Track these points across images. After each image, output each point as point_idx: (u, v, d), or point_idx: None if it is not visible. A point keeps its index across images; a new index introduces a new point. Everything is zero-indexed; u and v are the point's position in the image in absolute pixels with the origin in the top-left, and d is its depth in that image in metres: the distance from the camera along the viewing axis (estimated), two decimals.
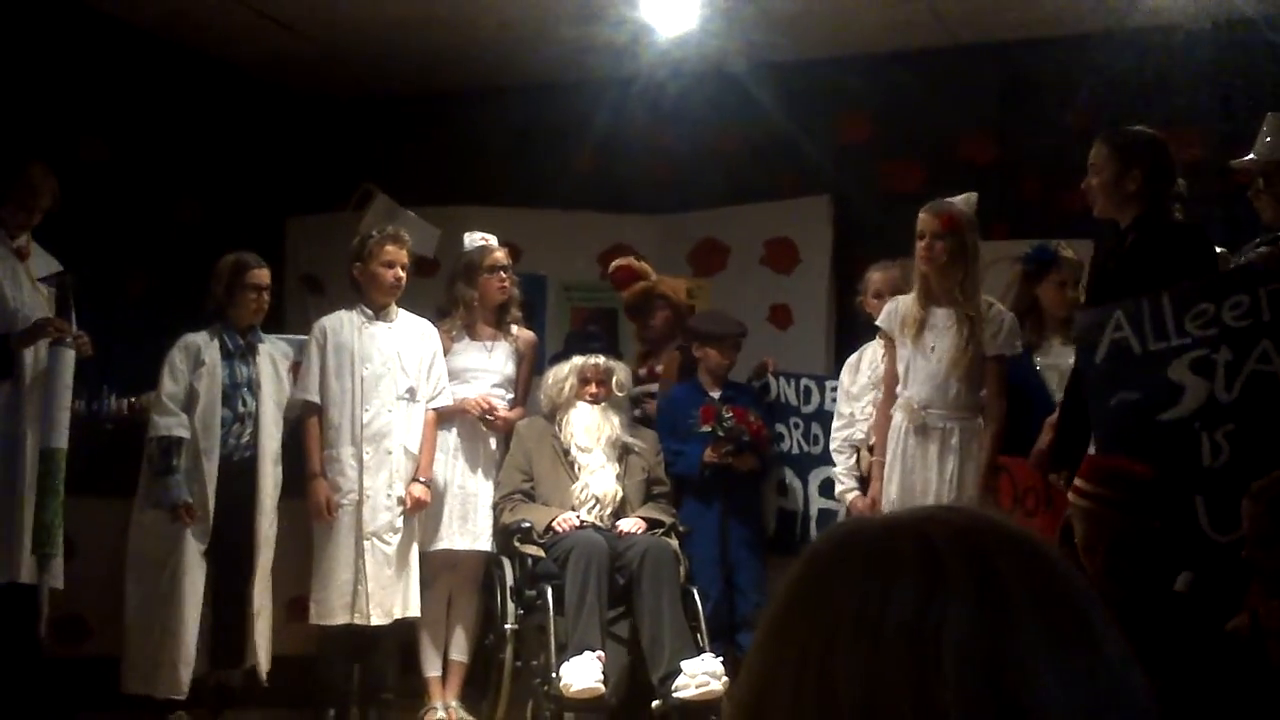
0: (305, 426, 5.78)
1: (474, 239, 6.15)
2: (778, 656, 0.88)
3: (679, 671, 5.18)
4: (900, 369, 5.21)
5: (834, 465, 5.81)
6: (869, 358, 5.82)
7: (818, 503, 6.10)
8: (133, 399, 6.27)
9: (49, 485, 5.21)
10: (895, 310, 5.26)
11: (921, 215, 5.15)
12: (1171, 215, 4.43)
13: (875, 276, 5.85)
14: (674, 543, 5.73)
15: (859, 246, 6.72)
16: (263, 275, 5.85)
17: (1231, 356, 4.01)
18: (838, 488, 5.79)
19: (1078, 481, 3.68)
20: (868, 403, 5.72)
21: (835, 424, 5.85)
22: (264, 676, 5.65)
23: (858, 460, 5.72)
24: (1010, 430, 5.00)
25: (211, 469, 5.60)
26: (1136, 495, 3.55)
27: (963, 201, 5.22)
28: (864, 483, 5.62)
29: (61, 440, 5.24)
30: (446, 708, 5.90)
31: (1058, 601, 0.86)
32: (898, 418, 5.17)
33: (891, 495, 5.14)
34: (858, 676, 0.82)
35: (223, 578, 5.67)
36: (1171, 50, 6.56)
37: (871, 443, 5.49)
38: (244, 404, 5.72)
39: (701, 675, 5.14)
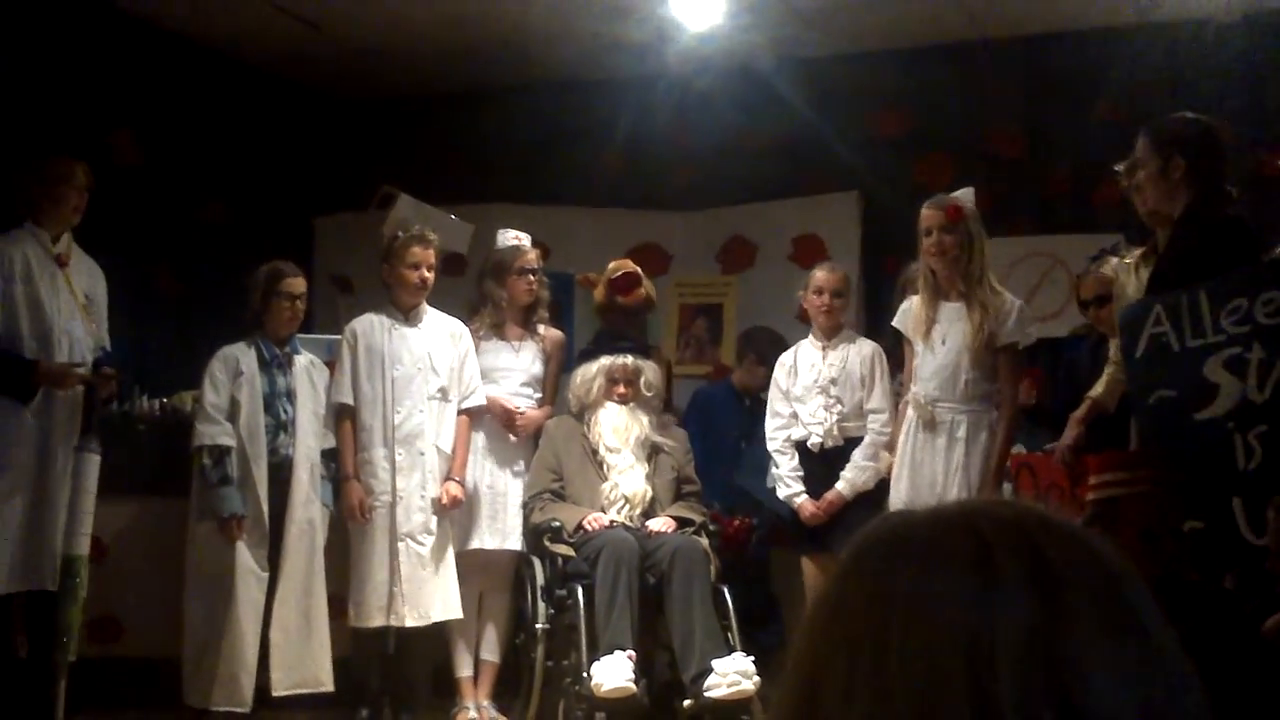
0: (339, 429, 5.79)
1: (507, 238, 6.15)
2: (829, 649, 0.88)
3: (710, 671, 5.17)
4: (915, 367, 5.23)
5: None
6: (805, 358, 5.82)
7: None
8: (164, 400, 6.30)
9: (69, 589, 5.18)
10: (908, 310, 5.27)
11: (925, 212, 5.17)
12: (1225, 205, 4.31)
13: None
14: (704, 541, 5.73)
15: (888, 243, 6.70)
16: (296, 284, 5.86)
17: (1264, 355, 3.95)
18: (782, 491, 5.74)
19: (1094, 478, 3.66)
20: (818, 406, 5.71)
21: (771, 425, 5.83)
22: (272, 691, 5.61)
23: (801, 460, 5.71)
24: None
25: (261, 475, 5.61)
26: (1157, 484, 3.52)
27: (962, 195, 5.23)
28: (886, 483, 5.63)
29: (83, 547, 5.21)
30: (478, 707, 5.91)
31: (1109, 593, 0.87)
32: (909, 415, 5.18)
33: (901, 492, 5.15)
34: (912, 672, 0.83)
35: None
36: (1202, 43, 6.51)
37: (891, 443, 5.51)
38: (284, 412, 5.73)
39: (733, 674, 5.13)
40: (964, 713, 0.81)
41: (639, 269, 6.32)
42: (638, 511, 5.84)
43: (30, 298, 5.25)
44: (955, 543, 0.88)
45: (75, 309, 5.38)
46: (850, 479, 5.64)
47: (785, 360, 5.88)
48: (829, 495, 5.64)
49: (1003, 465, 4.99)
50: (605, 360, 6.02)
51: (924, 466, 5.10)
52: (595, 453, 5.95)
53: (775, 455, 5.78)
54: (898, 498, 5.15)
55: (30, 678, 5.26)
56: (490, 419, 6.03)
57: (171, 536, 5.76)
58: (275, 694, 5.57)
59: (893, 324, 5.42)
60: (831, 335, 5.82)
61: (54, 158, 5.44)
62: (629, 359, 6.02)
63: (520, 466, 6.06)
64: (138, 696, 5.66)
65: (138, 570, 5.79)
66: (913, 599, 0.85)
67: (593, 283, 6.38)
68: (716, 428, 6.41)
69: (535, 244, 6.23)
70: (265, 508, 5.60)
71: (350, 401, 5.78)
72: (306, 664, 5.65)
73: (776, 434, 5.80)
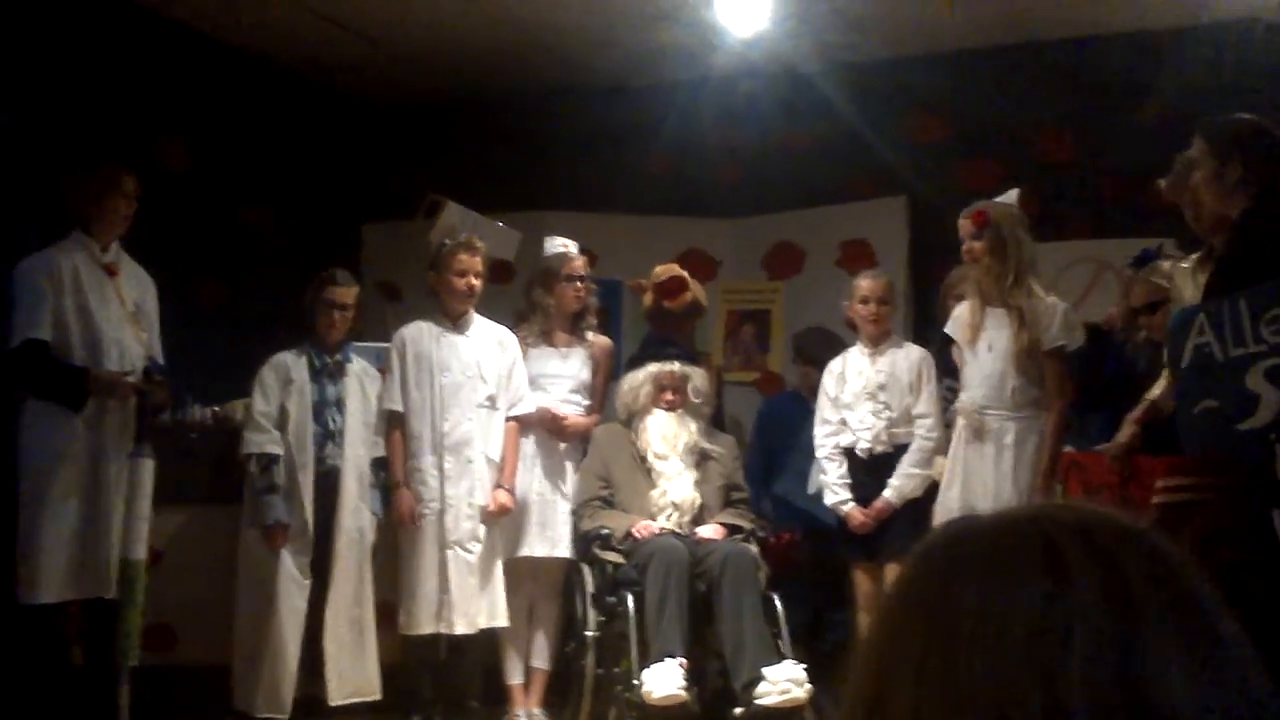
0: (389, 436, 5.82)
1: (554, 245, 6.17)
2: (898, 653, 0.88)
3: (761, 678, 5.17)
4: (963, 373, 5.23)
5: None
6: (854, 364, 5.79)
7: None
8: (215, 408, 6.33)
9: (128, 596, 5.22)
10: (959, 316, 5.26)
11: (960, 220, 5.16)
12: None
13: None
14: (754, 549, 5.73)
15: (936, 247, 6.66)
16: (343, 293, 5.87)
17: None
18: (830, 498, 5.74)
19: (1161, 481, 3.62)
20: (866, 412, 5.69)
21: (820, 432, 5.81)
22: (328, 701, 5.65)
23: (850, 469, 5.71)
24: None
25: (307, 484, 5.65)
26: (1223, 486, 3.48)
27: (1004, 198, 5.22)
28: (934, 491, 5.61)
29: (141, 552, 5.24)
30: (529, 715, 5.92)
31: (1181, 597, 0.86)
32: (958, 422, 5.16)
33: (952, 501, 5.11)
34: (983, 676, 0.83)
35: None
36: (1251, 43, 6.45)
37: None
38: (333, 421, 5.76)
39: (784, 682, 5.13)
40: (1035, 714, 0.81)
41: (686, 273, 6.32)
42: (687, 518, 5.84)
43: (80, 307, 5.28)
44: (1024, 547, 0.88)
45: (125, 318, 5.41)
46: (898, 486, 5.61)
47: (834, 367, 5.86)
48: (877, 503, 5.63)
49: (1053, 470, 4.94)
50: (653, 367, 6.02)
51: (974, 474, 5.08)
52: (643, 460, 5.96)
53: (823, 462, 5.77)
54: (949, 505, 5.12)
55: (87, 686, 5.31)
56: (539, 427, 6.03)
57: (224, 544, 5.80)
58: (332, 703, 5.60)
59: (945, 330, 5.40)
60: (879, 342, 5.80)
61: (102, 166, 5.46)
62: (676, 366, 6.02)
63: (569, 474, 6.07)
64: (193, 704, 5.70)
65: (192, 578, 5.83)
66: (982, 604, 0.86)
67: (643, 288, 6.39)
68: (786, 441, 6.37)
69: (582, 251, 6.25)
70: (310, 516, 5.63)
71: (400, 409, 5.80)
72: (359, 672, 5.68)
73: (825, 441, 5.78)
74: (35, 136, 6.00)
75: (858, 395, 5.73)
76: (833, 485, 5.72)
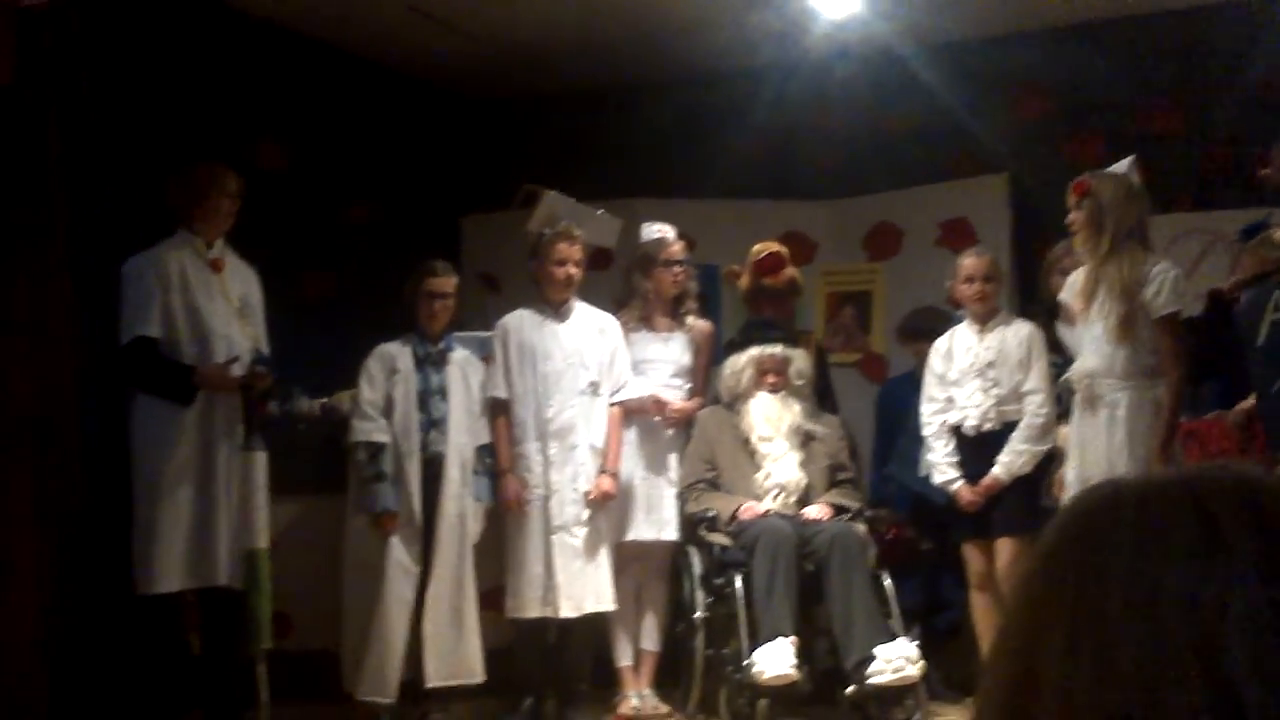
0: (494, 423, 5.87)
1: (651, 230, 6.19)
2: (1044, 629, 0.86)
3: (873, 657, 5.14)
4: (1077, 340, 5.17)
5: None
6: (961, 341, 5.72)
7: None
8: (323, 399, 6.42)
9: (255, 584, 5.35)
10: (1072, 284, 5.19)
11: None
12: None
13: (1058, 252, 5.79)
14: (861, 528, 5.70)
15: (1039, 224, 6.59)
16: (441, 283, 5.90)
17: None
18: (938, 477, 5.68)
19: None
20: (975, 389, 5.63)
21: (926, 410, 5.74)
22: (426, 683, 5.69)
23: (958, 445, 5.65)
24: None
25: (414, 472, 5.69)
26: None
27: (1117, 167, 5.15)
28: (1044, 467, 5.54)
29: (262, 540, 5.37)
30: (640, 696, 5.94)
31: None
32: (1078, 398, 5.09)
33: (1071, 472, 5.05)
34: (1138, 647, 0.80)
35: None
36: None
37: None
38: (437, 409, 5.81)
39: (897, 660, 5.11)
40: (1194, 684, 0.78)
41: (784, 249, 6.29)
42: (793, 499, 5.83)
43: (187, 303, 5.36)
44: (1175, 513, 0.85)
45: (231, 313, 5.48)
46: (1007, 463, 5.55)
47: (940, 345, 5.80)
48: (986, 480, 5.56)
49: (1170, 439, 4.85)
50: (754, 350, 6.01)
51: (1089, 445, 5.00)
52: (747, 442, 5.95)
53: (930, 441, 5.71)
54: (1069, 477, 5.06)
55: (207, 674, 5.40)
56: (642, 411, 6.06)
57: (333, 533, 5.87)
58: (429, 685, 5.65)
59: (1060, 298, 5.31)
60: (987, 319, 5.73)
61: (205, 166, 5.55)
62: (778, 348, 6.01)
63: (674, 458, 6.08)
64: (308, 690, 5.77)
65: (303, 567, 5.90)
66: (1131, 575, 0.83)
67: (738, 274, 6.38)
68: (900, 422, 6.33)
69: (680, 236, 6.25)
70: (417, 505, 5.69)
71: (504, 396, 5.85)
72: (459, 656, 5.72)
73: (932, 419, 5.72)
74: (140, 138, 6.11)
75: (965, 372, 5.67)
76: (940, 464, 5.66)
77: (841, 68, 7.41)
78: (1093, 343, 5.04)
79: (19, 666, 5.35)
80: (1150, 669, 0.80)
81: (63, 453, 5.60)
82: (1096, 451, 4.96)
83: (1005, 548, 5.48)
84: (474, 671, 5.76)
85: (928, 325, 6.31)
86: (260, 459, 5.43)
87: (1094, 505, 0.90)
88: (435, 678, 5.68)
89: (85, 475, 5.63)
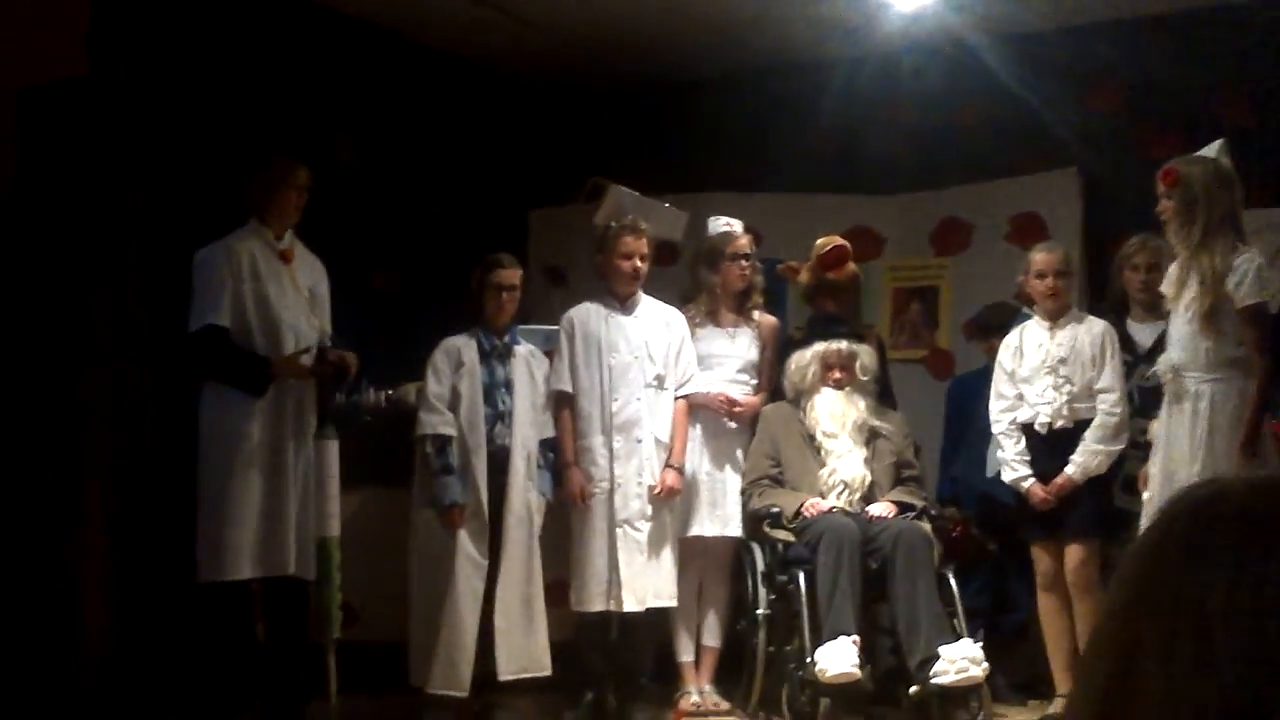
0: (558, 417, 5.87)
1: (718, 224, 6.17)
2: (1146, 618, 0.86)
3: (937, 657, 5.10)
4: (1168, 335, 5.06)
5: None
6: (1032, 338, 5.64)
7: None
8: (389, 391, 6.46)
9: (325, 573, 5.42)
10: (1169, 275, 5.07)
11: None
12: None
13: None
14: (926, 526, 5.65)
15: (1111, 219, 6.50)
16: (506, 276, 5.90)
17: None
18: (1009, 475, 5.58)
19: None
20: (1046, 386, 5.55)
21: (996, 407, 5.66)
22: (498, 676, 5.69)
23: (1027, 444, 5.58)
24: None
25: (481, 465, 5.70)
26: None
27: (1206, 150, 5.04)
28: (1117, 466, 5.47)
29: (334, 529, 5.45)
30: (701, 692, 5.94)
31: None
32: (1169, 389, 4.99)
33: (1156, 466, 4.95)
34: (1239, 646, 0.81)
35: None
36: None
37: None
38: (503, 403, 5.82)
39: (961, 660, 5.06)
40: None
41: (847, 243, 6.24)
42: (857, 496, 5.79)
43: (258, 294, 5.41)
44: (1278, 512, 0.85)
45: (300, 304, 5.53)
46: (1081, 463, 5.47)
47: (1010, 341, 5.73)
48: (1058, 480, 5.48)
49: (1254, 436, 4.73)
50: (819, 346, 5.98)
51: (1175, 440, 4.88)
52: (812, 438, 5.92)
53: (1001, 438, 5.64)
54: (1153, 471, 4.97)
55: (272, 662, 5.45)
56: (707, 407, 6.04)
57: (400, 525, 5.90)
58: (501, 678, 5.66)
59: (1161, 289, 5.18)
60: (1058, 315, 5.66)
61: (277, 158, 5.60)
62: (843, 344, 5.97)
63: (738, 453, 6.06)
64: (374, 681, 5.81)
65: (369, 558, 5.95)
66: (1234, 577, 0.83)
67: (795, 270, 6.33)
68: (969, 420, 6.28)
69: (747, 230, 6.22)
70: (485, 497, 5.70)
71: (569, 389, 5.86)
72: (529, 648, 5.73)
73: (1001, 416, 5.64)
74: (212, 129, 6.17)
75: (1036, 369, 5.59)
76: (1011, 461, 5.58)
77: (911, 60, 7.34)
78: (1179, 335, 4.93)
79: (91, 651, 5.45)
80: (1251, 668, 0.80)
81: (133, 441, 5.69)
82: (1180, 446, 4.86)
83: (1075, 551, 5.42)
84: (543, 664, 5.77)
85: (999, 321, 6.24)
86: (333, 448, 5.49)
87: (1195, 505, 0.91)
88: (507, 670, 5.68)
89: (154, 463, 5.72)
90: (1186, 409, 4.87)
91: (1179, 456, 4.83)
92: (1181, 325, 4.91)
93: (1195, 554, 0.86)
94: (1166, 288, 5.04)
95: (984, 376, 6.19)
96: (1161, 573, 0.88)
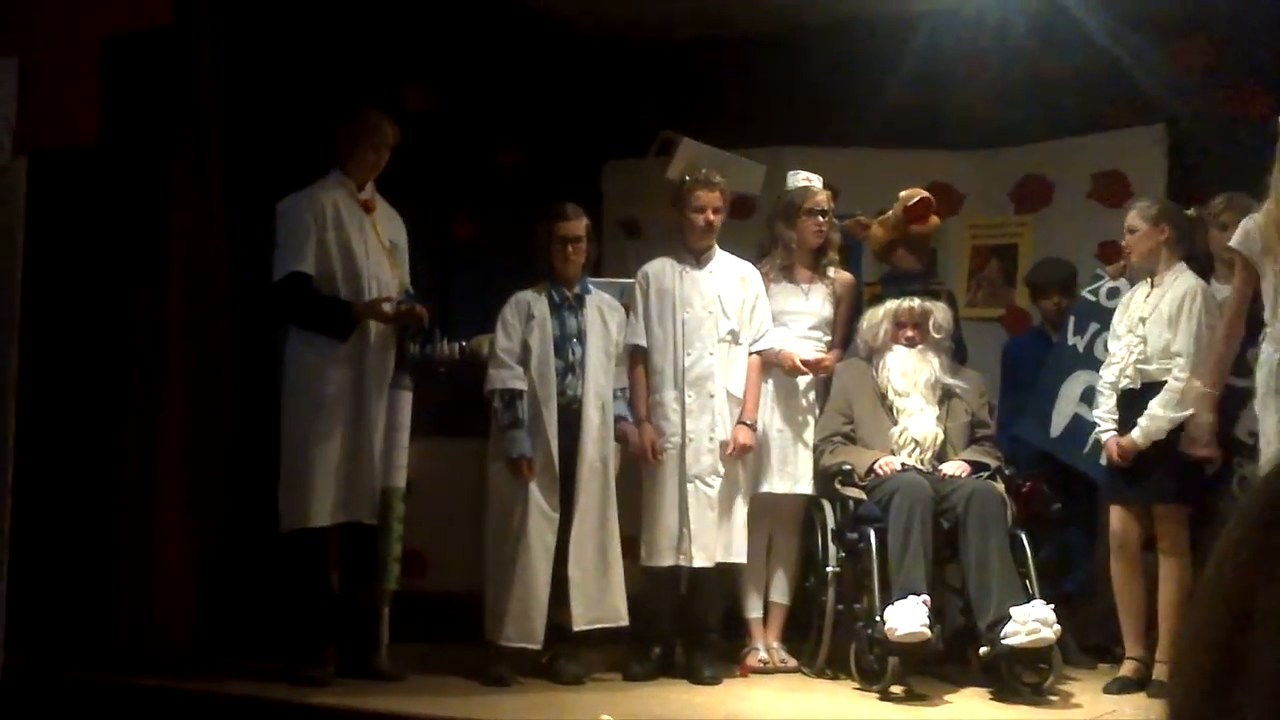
0: (632, 371, 5.87)
1: (797, 179, 6.12)
2: (1250, 606, 0.85)
3: (1009, 618, 5.06)
4: (1268, 295, 4.87)
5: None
6: (1139, 296, 5.55)
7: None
8: (463, 343, 6.49)
9: (387, 523, 5.47)
10: (1254, 229, 4.91)
11: None
12: None
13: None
14: (1000, 486, 5.60)
15: (1197, 177, 6.36)
16: (570, 227, 5.79)
17: None
18: (1099, 427, 5.58)
19: None
20: (1123, 345, 5.48)
21: (1105, 364, 5.64)
22: (573, 627, 5.67)
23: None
24: None
25: (551, 418, 5.67)
26: None
27: None
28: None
29: (401, 480, 5.49)
30: (768, 649, 5.95)
31: None
32: (1267, 351, 4.86)
33: (1270, 438, 4.80)
34: None
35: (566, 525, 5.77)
36: None
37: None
38: (573, 354, 5.81)
39: (1032, 622, 5.01)
40: None
41: (932, 196, 6.16)
42: (928, 455, 5.76)
43: (341, 243, 5.47)
44: None
45: (382, 253, 5.59)
46: (1144, 427, 5.38)
47: (1125, 300, 5.68)
48: (1123, 441, 5.43)
49: None
50: (891, 304, 5.93)
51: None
52: (885, 396, 5.89)
53: (1098, 393, 5.64)
54: (1264, 444, 4.84)
55: (344, 610, 5.53)
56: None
57: (472, 476, 5.92)
58: (576, 629, 5.67)
59: (1230, 244, 5.05)
60: (1156, 274, 5.55)
61: (362, 110, 5.64)
62: (916, 302, 5.92)
63: (811, 410, 6.03)
64: (443, 630, 5.86)
65: (441, 508, 6.00)
66: None
67: (866, 225, 6.25)
68: (1029, 380, 6.22)
69: (825, 186, 6.17)
70: (555, 451, 5.70)
71: (643, 343, 5.85)
72: (605, 599, 5.72)
73: (1104, 373, 5.64)
74: (292, 79, 6.20)
75: (1129, 327, 5.53)
76: (1101, 416, 5.60)
77: (995, 14, 7.21)
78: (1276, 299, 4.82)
79: (168, 597, 5.54)
80: None
81: (214, 389, 5.76)
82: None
83: (1162, 516, 5.35)
84: (620, 614, 5.74)
85: (1045, 279, 6.20)
86: (406, 398, 5.54)
87: None
88: (581, 621, 5.66)
89: (235, 412, 5.79)
90: None
91: (1274, 428, 4.73)
92: None
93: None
94: (1257, 247, 4.88)
95: (1040, 337, 6.12)
96: (1266, 557, 0.86)
